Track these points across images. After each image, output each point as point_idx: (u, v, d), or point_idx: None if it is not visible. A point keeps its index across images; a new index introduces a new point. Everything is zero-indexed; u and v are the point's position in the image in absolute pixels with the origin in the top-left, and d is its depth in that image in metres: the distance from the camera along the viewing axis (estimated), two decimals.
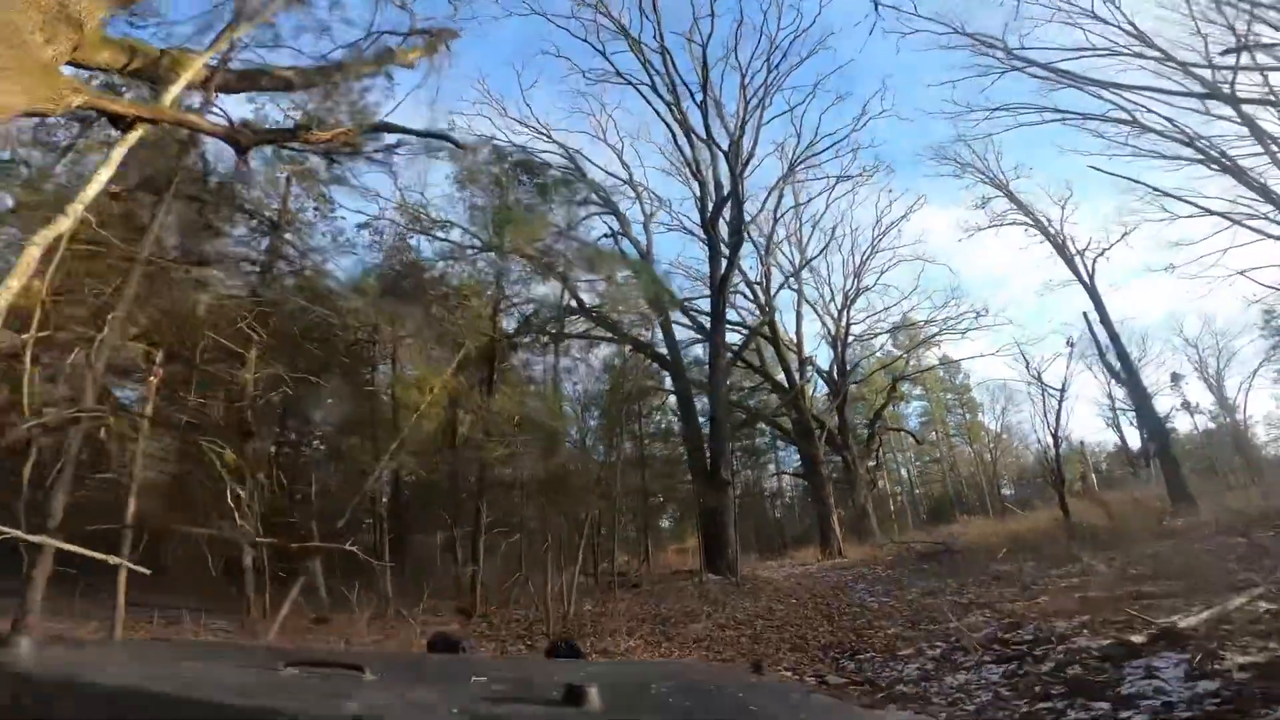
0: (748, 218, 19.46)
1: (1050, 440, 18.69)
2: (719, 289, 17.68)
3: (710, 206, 18.34)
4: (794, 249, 25.79)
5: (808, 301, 27.68)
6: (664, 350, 18.82)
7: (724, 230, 19.29)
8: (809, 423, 22.50)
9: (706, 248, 18.65)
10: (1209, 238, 22.00)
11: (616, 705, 1.04)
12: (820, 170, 23.38)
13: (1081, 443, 44.80)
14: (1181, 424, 43.26)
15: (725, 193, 18.00)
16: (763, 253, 23.27)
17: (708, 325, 18.67)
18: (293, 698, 1.06)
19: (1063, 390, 19.11)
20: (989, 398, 49.44)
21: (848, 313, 26.91)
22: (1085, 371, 42.74)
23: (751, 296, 23.35)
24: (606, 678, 1.31)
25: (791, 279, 25.07)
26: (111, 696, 1.02)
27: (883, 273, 27.19)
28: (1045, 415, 18.20)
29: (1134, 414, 20.95)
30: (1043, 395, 18.88)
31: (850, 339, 27.41)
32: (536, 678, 1.36)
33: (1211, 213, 19.77)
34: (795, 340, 24.64)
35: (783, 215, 23.61)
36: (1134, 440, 42.61)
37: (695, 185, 19.12)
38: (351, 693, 1.04)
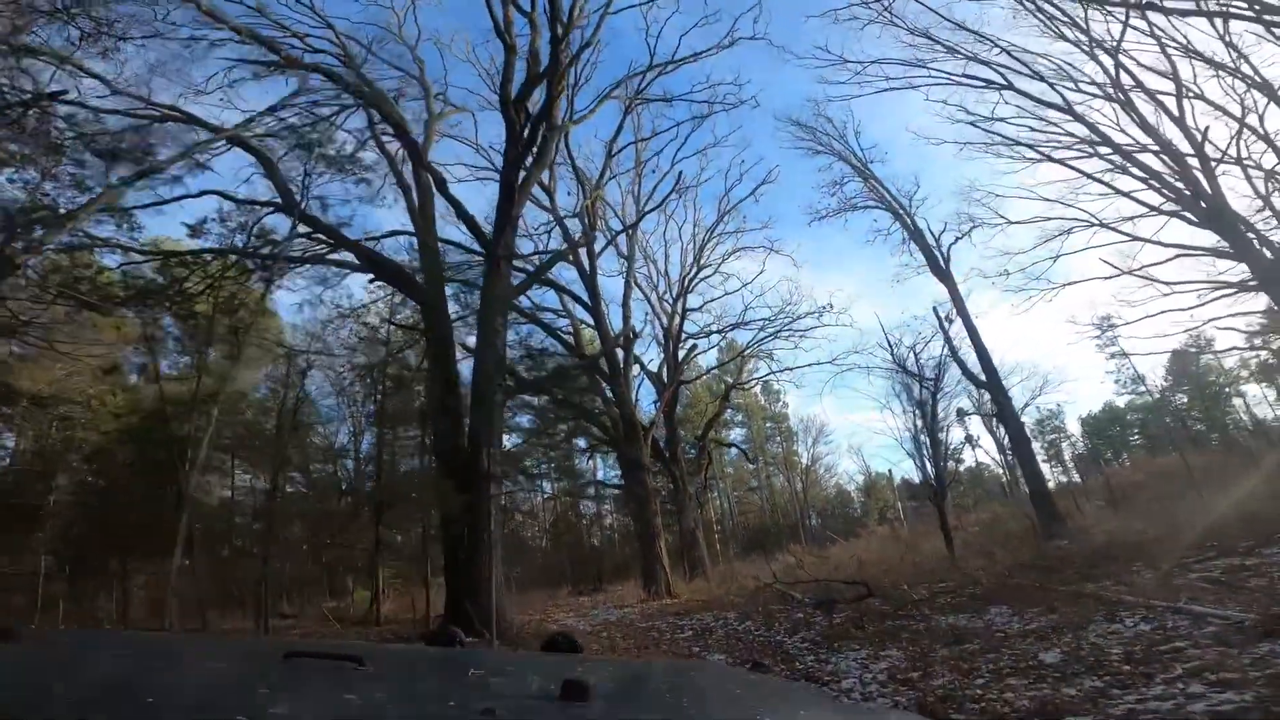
0: (571, 117, 13.26)
1: (928, 442, 13.87)
2: (510, 183, 10.89)
3: (519, 80, 11.61)
4: (628, 205, 19.97)
5: (638, 286, 21.81)
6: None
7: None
8: (633, 416, 16.17)
9: (504, 138, 11.80)
10: (1051, 238, 19.26)
11: (614, 700, 0.97)
12: (671, 113, 17.66)
13: (890, 471, 43.53)
14: (966, 457, 43.82)
15: (544, 67, 11.38)
16: (590, 185, 16.87)
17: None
18: (293, 689, 0.95)
19: (937, 380, 14.55)
20: (802, 429, 47.46)
21: (683, 301, 21.42)
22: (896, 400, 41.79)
23: (568, 254, 16.73)
24: (604, 674, 1.24)
25: (621, 236, 19.10)
26: (113, 688, 0.93)
27: (724, 259, 22.16)
28: (922, 409, 13.24)
29: (996, 418, 17.02)
30: (919, 384, 14.10)
31: (685, 338, 21.81)
32: (534, 672, 1.20)
33: (1087, 155, 16.67)
34: (622, 315, 18.43)
35: (619, 152, 17.74)
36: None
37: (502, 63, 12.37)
38: (351, 685, 0.95)
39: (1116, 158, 16.15)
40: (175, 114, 12.15)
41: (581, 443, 25.25)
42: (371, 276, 11.64)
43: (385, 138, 13.73)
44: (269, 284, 12.18)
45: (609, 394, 17.31)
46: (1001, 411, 16.61)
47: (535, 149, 11.90)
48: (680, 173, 19.07)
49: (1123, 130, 16.85)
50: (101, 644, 1.38)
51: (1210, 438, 40.36)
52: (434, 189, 11.60)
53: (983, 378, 17.26)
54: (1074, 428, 50.82)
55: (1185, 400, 44.66)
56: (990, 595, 7.68)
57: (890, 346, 14.97)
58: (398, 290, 11.48)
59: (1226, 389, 41.63)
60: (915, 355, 14.15)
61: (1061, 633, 5.30)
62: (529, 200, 18.88)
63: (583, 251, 17.30)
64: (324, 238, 12.03)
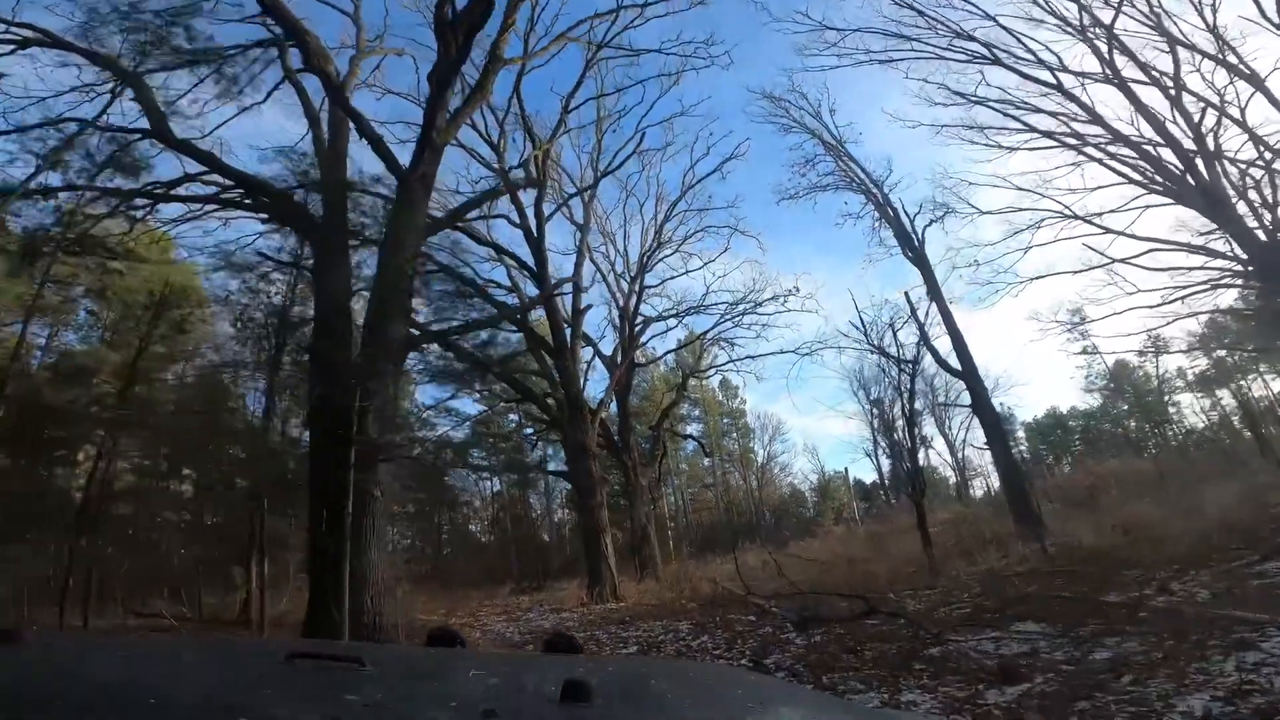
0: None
1: (904, 428, 12.25)
2: (435, 101, 8.74)
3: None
4: (587, 174, 17.87)
5: (593, 263, 19.79)
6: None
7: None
8: (580, 395, 14.11)
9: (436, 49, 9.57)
10: (1021, 230, 17.96)
11: (616, 701, 0.94)
12: (637, 73, 15.68)
13: (845, 469, 42.65)
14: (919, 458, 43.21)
15: None
16: (541, 139, 14.56)
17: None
18: (294, 690, 0.95)
19: (915, 362, 12.98)
20: (759, 426, 46.20)
21: (641, 280, 19.48)
22: (863, 392, 40.63)
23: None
24: (606, 674, 1.20)
25: (576, 201, 17.06)
26: (112, 689, 0.90)
27: (687, 238, 20.31)
28: (900, 392, 11.66)
29: (971, 408, 15.59)
30: (897, 366, 12.50)
31: (641, 321, 19.81)
32: (535, 673, 1.16)
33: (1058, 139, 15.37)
34: (573, 286, 16.24)
35: (576, 107, 15.63)
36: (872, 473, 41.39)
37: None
38: (351, 686, 0.93)
39: (1106, 138, 14.93)
40: (41, 38, 9.70)
41: (529, 430, 23.19)
42: (265, 216, 9.31)
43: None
44: (132, 222, 9.70)
45: (555, 374, 15.23)
46: (977, 402, 15.19)
47: (470, 68, 9.81)
48: (643, 133, 17.12)
49: (1101, 121, 15.78)
50: (104, 646, 1.38)
51: (1147, 445, 40.64)
52: (332, 99, 9.36)
53: (958, 366, 15.87)
54: (1020, 432, 50.94)
55: (1126, 408, 44.99)
56: (1010, 608, 5.95)
57: (864, 326, 13.31)
58: (292, 229, 9.16)
59: (1166, 397, 41.80)
60: (894, 332, 12.52)
61: (1169, 661, 3.55)
62: (474, 158, 16.70)
63: (530, 211, 15.19)
64: (220, 178, 9.64)
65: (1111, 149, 15.62)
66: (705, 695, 1.15)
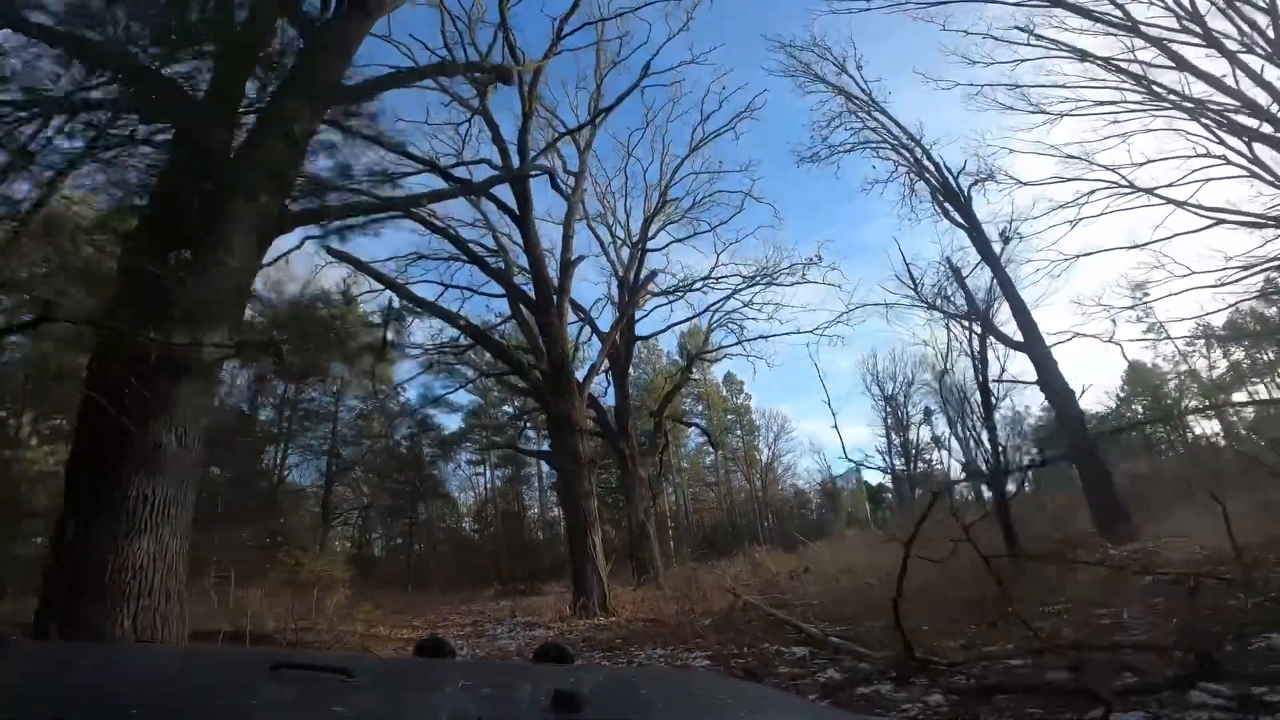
0: None
1: (980, 408, 9.46)
2: None
3: None
4: (582, 108, 15.09)
5: (592, 232, 17.10)
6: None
7: None
8: (565, 359, 11.24)
9: None
10: (1067, 204, 15.11)
11: (607, 711, 0.90)
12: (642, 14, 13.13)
13: (858, 467, 39.79)
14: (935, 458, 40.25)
15: None
16: (525, 55, 11.72)
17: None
18: (279, 701, 0.92)
19: (986, 320, 10.23)
20: (764, 423, 43.39)
21: (643, 245, 16.76)
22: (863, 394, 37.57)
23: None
24: (597, 683, 1.15)
25: (569, 137, 14.27)
26: (96, 699, 0.86)
27: (695, 204, 17.60)
28: (973, 356, 8.88)
29: (1038, 384, 12.76)
30: (967, 332, 9.74)
31: (638, 281, 17.00)
32: (525, 683, 1.14)
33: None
34: (563, 236, 13.43)
35: (571, 32, 12.87)
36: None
37: None
38: (337, 696, 0.89)
39: (1179, 96, 12.13)
40: None
41: (514, 411, 20.50)
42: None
43: None
44: None
45: (538, 335, 12.48)
46: (1044, 378, 12.40)
47: None
48: (648, 67, 14.40)
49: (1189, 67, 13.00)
50: (87, 655, 1.34)
51: (1162, 449, 37.97)
52: None
53: (1018, 338, 13.10)
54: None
55: (1140, 410, 42.24)
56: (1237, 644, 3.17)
57: (914, 281, 10.55)
58: (166, 116, 6.43)
59: (1186, 402, 38.71)
60: (960, 279, 9.73)
61: None
62: (454, 98, 13.91)
63: (513, 150, 12.48)
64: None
65: (1195, 108, 12.85)
66: (697, 704, 1.10)
